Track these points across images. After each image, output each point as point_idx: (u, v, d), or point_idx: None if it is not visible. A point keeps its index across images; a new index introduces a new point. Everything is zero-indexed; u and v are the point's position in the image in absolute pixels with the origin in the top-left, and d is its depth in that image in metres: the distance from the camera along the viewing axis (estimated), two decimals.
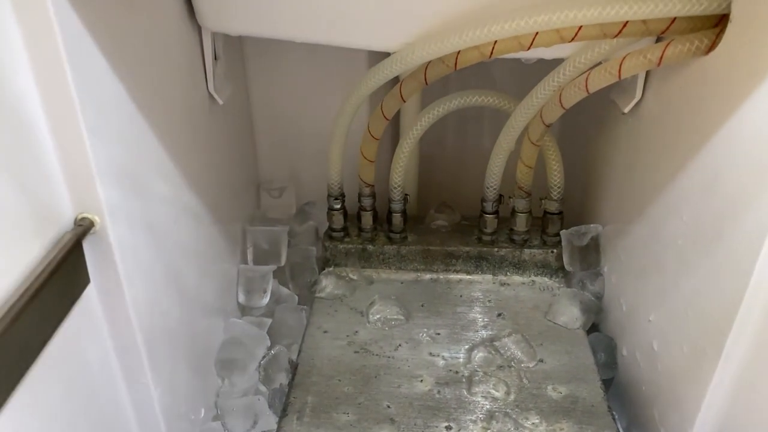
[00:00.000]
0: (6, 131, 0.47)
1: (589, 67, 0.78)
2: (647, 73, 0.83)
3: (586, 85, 0.78)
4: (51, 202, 0.52)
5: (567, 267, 0.99)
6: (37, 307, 0.48)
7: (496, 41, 0.74)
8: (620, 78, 0.75)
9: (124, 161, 0.60)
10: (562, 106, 0.82)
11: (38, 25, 0.48)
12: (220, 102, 0.86)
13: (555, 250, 1.00)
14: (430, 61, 0.80)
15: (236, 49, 0.98)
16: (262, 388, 0.87)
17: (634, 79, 0.84)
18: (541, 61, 0.85)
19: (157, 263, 0.68)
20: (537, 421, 0.78)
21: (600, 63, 0.77)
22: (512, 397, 0.82)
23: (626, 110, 0.86)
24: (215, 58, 0.85)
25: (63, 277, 0.52)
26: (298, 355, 0.89)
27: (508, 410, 0.79)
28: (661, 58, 0.71)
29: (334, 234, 1.04)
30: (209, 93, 0.84)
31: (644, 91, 0.84)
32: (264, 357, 0.89)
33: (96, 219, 0.56)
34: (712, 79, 0.68)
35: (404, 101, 0.86)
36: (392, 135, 1.05)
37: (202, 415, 0.81)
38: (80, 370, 0.57)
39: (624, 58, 0.73)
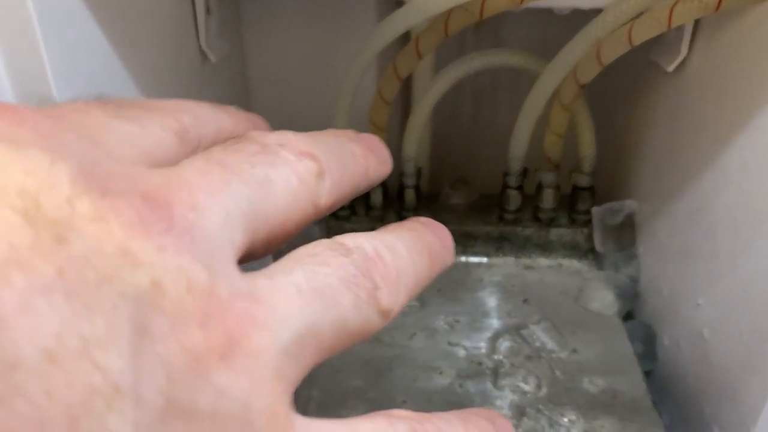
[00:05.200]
0: None
1: (632, 17, 0.69)
2: (695, 27, 0.74)
3: (630, 37, 0.69)
4: None
5: (598, 248, 0.90)
6: None
7: None
8: (670, 27, 0.65)
9: None
10: (600, 62, 0.72)
11: None
12: (213, 59, 0.77)
13: (585, 230, 0.91)
14: (451, 10, 0.70)
15: (231, 3, 0.88)
16: None
17: (680, 35, 0.75)
18: (573, 14, 0.76)
19: None
20: (574, 417, 0.69)
21: (645, 11, 0.69)
22: (544, 390, 0.73)
23: (670, 69, 0.77)
24: (208, 12, 0.76)
25: None
26: None
27: (540, 405, 0.70)
28: (720, 0, 0.62)
29: (340, 213, 0.94)
30: (201, 49, 0.75)
31: (691, 48, 0.75)
32: None
33: None
34: None
35: (421, 58, 0.77)
36: (402, 103, 0.96)
37: None
38: None
39: (675, 3, 0.64)
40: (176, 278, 0.22)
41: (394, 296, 0.30)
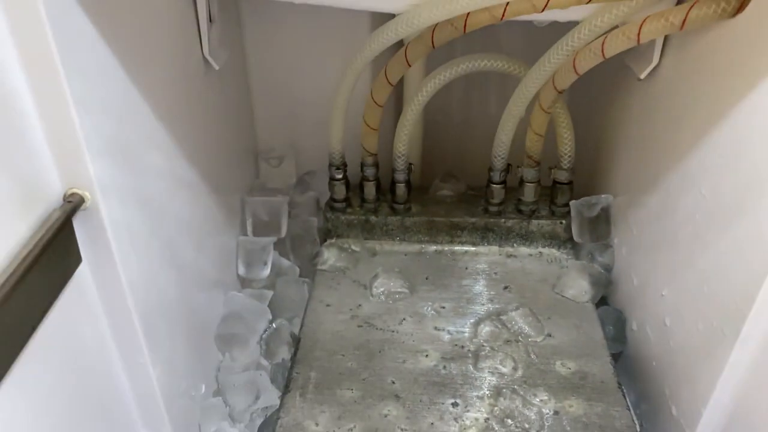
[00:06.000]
0: None
1: (605, 31, 0.74)
2: (666, 37, 0.79)
3: (603, 50, 0.74)
4: (38, 178, 0.49)
5: (576, 238, 0.96)
6: (27, 288, 0.46)
7: (508, 2, 0.70)
8: (639, 42, 0.71)
9: (114, 132, 0.57)
10: (576, 71, 0.78)
11: None
12: (216, 67, 0.82)
13: (564, 221, 0.97)
14: (437, 24, 0.75)
15: (232, 12, 0.93)
16: (264, 363, 0.85)
17: (652, 44, 0.80)
18: (553, 25, 0.81)
19: (152, 238, 0.65)
20: (546, 397, 0.76)
21: (617, 26, 0.73)
22: (520, 372, 0.80)
23: (642, 76, 0.82)
24: (210, 21, 0.81)
25: (53, 256, 0.49)
26: (301, 329, 0.87)
27: (515, 386, 0.78)
28: (685, 21, 0.67)
29: (336, 205, 1.01)
30: (204, 58, 0.80)
31: (662, 56, 0.80)
32: (265, 331, 0.87)
33: (86, 195, 0.52)
34: (738, 44, 0.64)
35: (409, 66, 0.82)
36: (395, 102, 1.01)
37: (203, 391, 0.79)
38: (75, 351, 0.55)
39: (644, 21, 0.69)
40: None
41: None
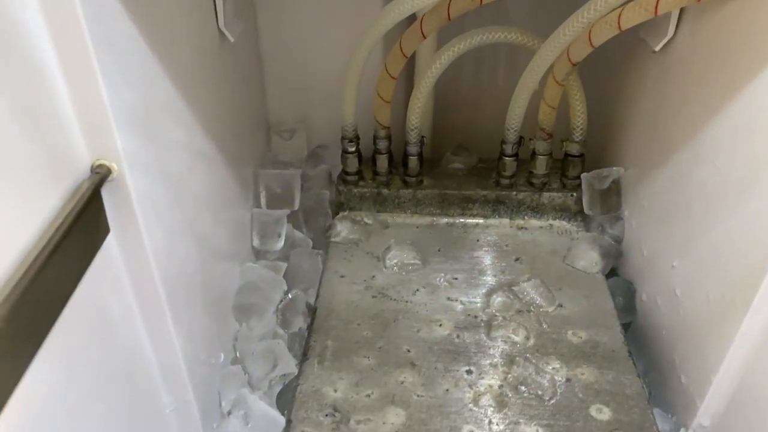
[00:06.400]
0: (17, 76, 0.44)
1: (622, 3, 0.74)
2: (681, 10, 0.79)
3: (619, 22, 0.74)
4: (67, 150, 0.50)
5: (587, 211, 0.97)
6: (61, 258, 0.47)
7: None
8: (656, 14, 0.71)
9: (138, 104, 0.57)
10: (591, 44, 0.78)
11: None
12: (232, 39, 0.82)
13: (575, 194, 0.98)
14: None
15: None
16: (280, 332, 0.87)
17: (667, 16, 0.80)
18: None
19: (174, 209, 0.66)
20: (558, 365, 0.78)
21: None
22: (532, 341, 0.81)
23: (657, 48, 0.82)
24: None
25: (83, 227, 0.50)
26: (316, 299, 0.88)
27: (528, 355, 0.79)
28: None
29: (348, 178, 1.01)
30: (219, 30, 0.80)
31: (677, 29, 0.80)
32: (281, 301, 0.88)
33: (113, 166, 0.53)
34: (754, 18, 0.64)
35: (425, 38, 0.82)
36: (407, 75, 1.01)
37: (222, 359, 0.81)
38: (103, 320, 0.56)
39: None
40: None
41: None
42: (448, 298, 0.88)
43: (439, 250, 0.96)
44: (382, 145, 0.98)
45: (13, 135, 0.43)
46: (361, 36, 0.84)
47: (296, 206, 1.00)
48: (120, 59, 0.53)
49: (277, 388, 0.81)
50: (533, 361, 0.78)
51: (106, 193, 0.54)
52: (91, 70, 0.49)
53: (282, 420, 0.74)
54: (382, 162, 0.99)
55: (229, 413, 0.76)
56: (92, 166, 0.53)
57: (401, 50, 0.84)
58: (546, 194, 0.99)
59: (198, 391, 0.71)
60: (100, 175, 0.53)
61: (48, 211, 0.47)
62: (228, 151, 0.84)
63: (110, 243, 0.56)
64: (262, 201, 0.99)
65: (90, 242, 0.53)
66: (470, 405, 0.73)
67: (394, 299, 0.88)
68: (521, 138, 0.96)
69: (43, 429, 0.46)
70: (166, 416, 0.69)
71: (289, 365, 0.81)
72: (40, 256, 0.44)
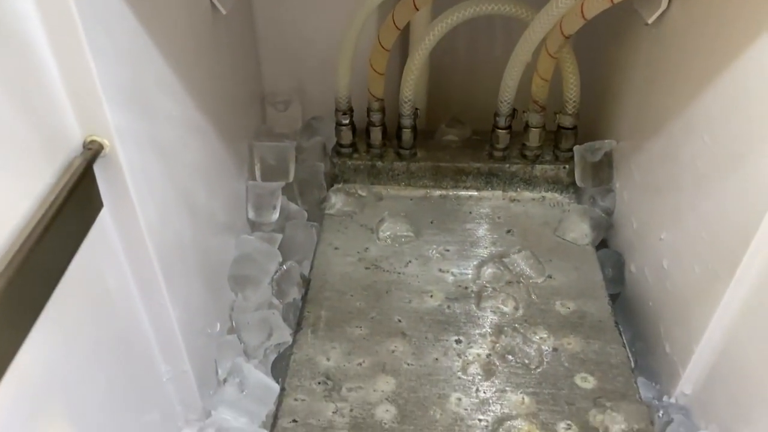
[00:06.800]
0: (6, 55, 0.44)
1: None
2: None
3: None
4: (58, 126, 0.51)
5: (579, 183, 0.98)
6: (55, 232, 0.48)
7: None
8: None
9: (128, 79, 0.58)
10: (583, 16, 0.78)
11: None
12: (224, 11, 0.82)
13: (567, 166, 0.99)
14: None
15: None
16: (276, 302, 0.89)
17: None
18: None
19: (167, 183, 0.67)
20: (545, 335, 0.80)
21: None
22: (520, 312, 0.83)
23: (650, 21, 0.82)
24: None
25: (77, 202, 0.51)
26: (311, 271, 0.90)
27: (516, 325, 0.81)
28: None
29: (343, 150, 1.02)
30: (211, 2, 0.80)
31: (670, 1, 0.80)
32: (276, 272, 0.90)
33: (105, 142, 0.54)
34: None
35: (417, 10, 0.82)
36: (401, 47, 1.01)
37: (218, 329, 0.83)
38: (99, 291, 0.58)
39: None
40: None
41: None
42: (440, 270, 0.90)
43: (432, 222, 0.97)
44: (376, 117, 0.98)
45: (4, 114, 0.44)
46: (355, 8, 0.84)
47: (291, 178, 1.00)
48: (109, 35, 0.54)
49: (272, 357, 0.84)
50: (521, 331, 0.80)
51: (98, 169, 0.55)
52: (81, 47, 0.49)
53: (276, 387, 0.76)
54: (376, 134, 1.00)
55: (225, 381, 0.78)
56: (84, 143, 0.54)
57: (394, 22, 0.84)
58: (539, 166, 0.99)
59: (194, 359, 0.74)
60: (93, 151, 0.53)
61: (42, 187, 0.48)
62: (222, 124, 0.85)
63: (104, 217, 0.57)
64: (257, 173, 0.99)
65: (84, 217, 0.54)
66: (458, 373, 0.76)
67: (387, 271, 0.90)
68: (514, 110, 0.96)
69: (41, 399, 0.48)
70: (164, 384, 0.72)
71: (283, 335, 0.83)
72: (34, 231, 0.46)
